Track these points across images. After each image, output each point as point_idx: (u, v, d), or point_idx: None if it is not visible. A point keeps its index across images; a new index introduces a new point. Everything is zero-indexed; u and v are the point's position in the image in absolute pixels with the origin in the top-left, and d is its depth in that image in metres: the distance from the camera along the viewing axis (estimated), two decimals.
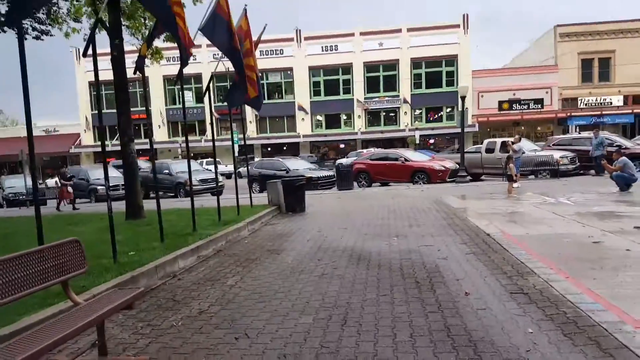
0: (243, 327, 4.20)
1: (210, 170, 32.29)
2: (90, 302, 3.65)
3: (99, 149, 43.56)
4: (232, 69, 10.14)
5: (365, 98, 42.87)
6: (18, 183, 21.68)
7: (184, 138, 42.88)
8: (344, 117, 44.41)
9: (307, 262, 6.52)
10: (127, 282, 5.49)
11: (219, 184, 20.35)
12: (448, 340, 3.75)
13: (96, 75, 6.24)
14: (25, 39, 13.55)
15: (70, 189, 17.10)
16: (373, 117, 43.75)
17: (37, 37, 12.95)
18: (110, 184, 19.95)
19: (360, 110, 42.93)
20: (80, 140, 47.55)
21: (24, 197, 20.42)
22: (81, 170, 22.62)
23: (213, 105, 11.44)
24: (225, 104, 11.29)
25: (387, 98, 42.69)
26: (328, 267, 6.17)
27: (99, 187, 20.31)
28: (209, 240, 7.72)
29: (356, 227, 9.05)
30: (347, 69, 43.59)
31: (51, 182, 30.55)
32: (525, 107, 40.43)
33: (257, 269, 6.33)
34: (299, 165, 20.26)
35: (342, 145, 44.24)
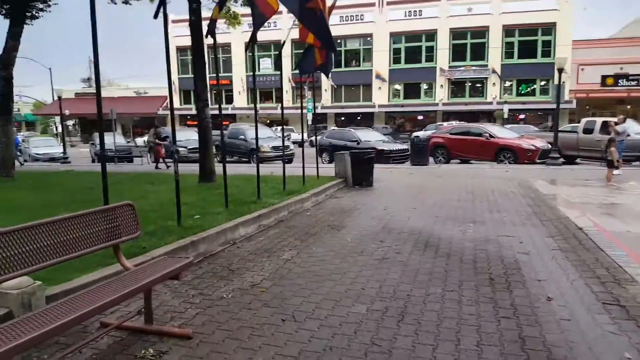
0: (292, 309, 4.02)
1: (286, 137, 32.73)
2: (139, 268, 3.57)
3: (185, 112, 46.00)
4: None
5: (449, 67, 41.03)
6: (108, 140, 23.05)
7: (262, 104, 43.46)
8: (424, 86, 42.95)
9: (368, 242, 6.22)
10: (187, 247, 5.49)
11: (289, 152, 20.67)
12: (522, 355, 3.27)
13: (166, 37, 6.22)
14: (115, 3, 14.08)
15: (163, 150, 17.97)
16: (457, 87, 41.95)
17: (125, 2, 13.37)
18: (191, 147, 20.90)
19: (443, 79, 41.28)
20: (167, 102, 50.05)
21: (113, 153, 21.60)
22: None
23: (290, 72, 11.25)
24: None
25: (473, 68, 40.62)
26: (390, 251, 5.80)
27: (180, 149, 20.98)
28: (271, 210, 7.69)
29: (427, 207, 8.69)
30: (431, 35, 41.69)
31: (140, 140, 32.25)
32: (634, 83, 36.45)
33: (314, 245, 6.12)
34: (371, 137, 19.94)
35: (420, 117, 43.04)
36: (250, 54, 42.36)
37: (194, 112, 47.28)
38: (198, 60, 11.24)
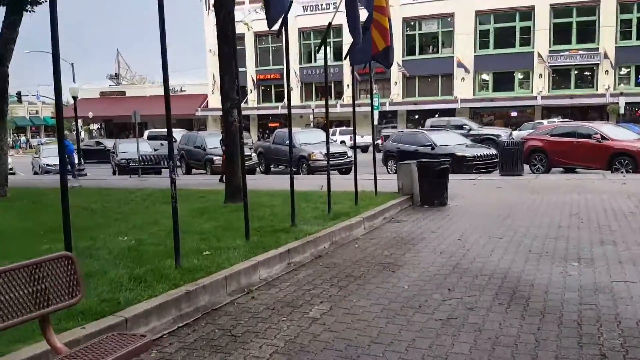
0: None
1: (344, 142, 32.71)
2: (74, 352, 2.99)
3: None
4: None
5: (550, 52, 39.62)
6: (131, 148, 23.59)
7: (318, 102, 43.60)
8: (518, 76, 42.06)
9: (430, 290, 5.56)
10: (180, 300, 4.96)
11: (347, 159, 20.27)
12: None
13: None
14: None
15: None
16: (560, 76, 40.64)
17: None
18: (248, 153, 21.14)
19: (543, 67, 39.91)
20: (207, 101, 51.35)
21: (135, 164, 22.06)
22: (198, 137, 24.29)
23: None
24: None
25: (580, 52, 38.99)
26: (460, 306, 5.07)
27: (215, 158, 21.20)
28: (306, 242, 7.30)
29: (517, 236, 8.06)
30: (527, 13, 40.17)
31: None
32: None
33: (357, 294, 5.53)
34: (450, 140, 19.59)
35: (513, 114, 41.68)
36: (316, 41, 43.81)
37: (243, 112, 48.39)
38: (222, 47, 10.95)
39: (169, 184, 5.83)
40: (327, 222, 8.50)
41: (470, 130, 26.88)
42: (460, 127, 27.29)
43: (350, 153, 21.30)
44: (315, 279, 6.15)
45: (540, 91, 39.78)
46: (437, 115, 44.14)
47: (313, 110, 44.09)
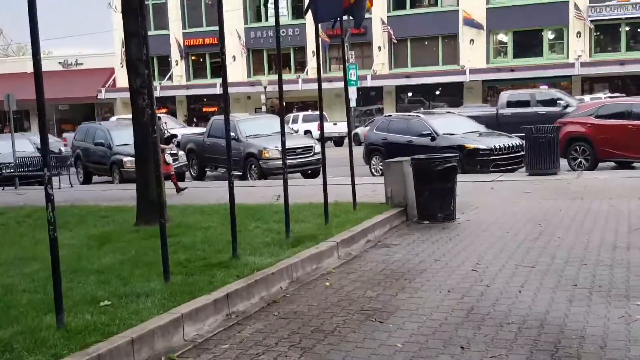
0: None
1: (310, 132, 32.66)
2: None
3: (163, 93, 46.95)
4: None
5: (590, 2, 40.30)
6: (4, 148, 22.94)
7: (271, 77, 43.84)
8: (548, 35, 42.90)
9: (435, 350, 5.46)
10: None
11: (313, 156, 20.94)
12: None
13: None
14: None
15: (169, 158, 17.72)
16: (605, 36, 41.89)
17: None
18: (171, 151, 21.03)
19: (582, 24, 40.82)
20: (114, 78, 50.71)
21: (10, 171, 21.49)
22: (99, 130, 23.95)
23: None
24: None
25: (632, 1, 39.76)
26: None
27: (125, 159, 21.06)
28: (254, 281, 7.17)
29: (556, 264, 8.07)
30: None
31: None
32: None
33: None
34: (456, 126, 20.03)
35: (542, 87, 41.89)
36: None
37: (159, 93, 48.00)
38: (124, 5, 11.12)
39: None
40: (284, 251, 8.47)
41: (566, 106, 25.99)
42: (553, 102, 27.10)
43: (318, 148, 21.33)
44: (267, 337, 5.98)
45: (579, 56, 40.56)
46: (437, 93, 44.64)
47: (265, 88, 44.32)
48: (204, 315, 6.28)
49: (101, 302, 6.33)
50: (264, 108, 43.91)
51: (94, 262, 8.12)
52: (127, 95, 36.90)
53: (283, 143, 9.70)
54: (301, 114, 38.62)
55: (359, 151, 22.69)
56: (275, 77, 41.40)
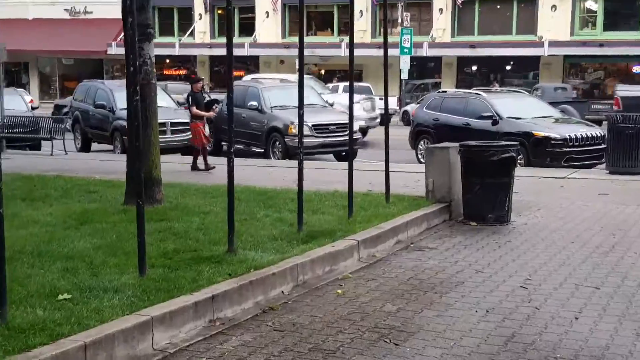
0: None
1: (343, 108, 32.55)
2: None
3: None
4: None
5: None
6: None
7: (311, 39, 43.69)
8: None
9: None
10: None
11: (355, 138, 20.39)
12: None
13: None
14: None
15: (206, 127, 17.85)
16: None
17: None
18: (173, 120, 21.54)
19: None
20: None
21: None
22: (100, 89, 24.09)
23: None
24: None
25: None
26: None
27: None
28: (249, 282, 7.05)
29: (627, 285, 7.86)
30: None
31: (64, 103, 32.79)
32: None
33: None
34: (525, 109, 20.03)
35: (638, 69, 41.27)
36: None
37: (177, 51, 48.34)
38: None
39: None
40: (293, 247, 8.37)
41: None
42: None
43: (355, 126, 21.46)
44: (254, 353, 5.80)
45: None
46: (508, 68, 43.97)
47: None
48: (181, 320, 6.16)
49: (60, 295, 6.24)
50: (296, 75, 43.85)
51: (66, 246, 8.10)
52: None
53: (300, 117, 9.36)
54: (341, 85, 38.23)
55: (406, 133, 22.61)
56: (315, 39, 41.73)
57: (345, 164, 18.40)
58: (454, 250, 9.48)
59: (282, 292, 7.41)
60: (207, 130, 17.71)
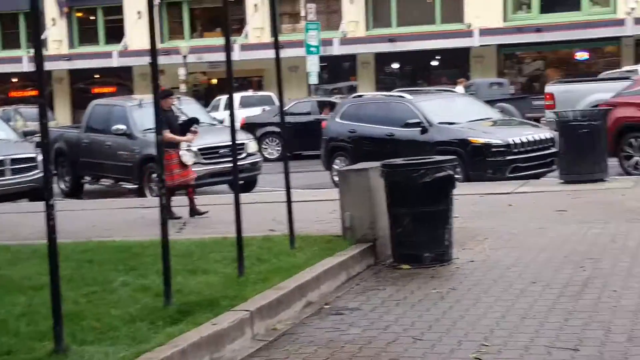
0: None
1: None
2: None
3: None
4: None
5: None
6: None
7: (197, 41, 42.85)
8: None
9: None
10: None
11: (249, 160, 21.43)
12: None
13: None
14: None
15: (187, 157, 16.36)
16: None
17: None
18: (14, 156, 20.92)
19: None
20: None
21: None
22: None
23: None
24: None
25: None
26: None
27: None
28: None
29: (611, 341, 7.31)
30: None
31: None
32: None
33: None
34: (458, 113, 20.42)
35: (580, 55, 41.82)
36: None
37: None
38: None
39: None
40: (157, 332, 7.40)
41: None
42: None
43: (253, 146, 22.10)
44: None
45: (633, 9, 40.72)
46: (433, 64, 44.13)
47: (185, 58, 44.46)
48: None
49: None
50: (183, 87, 43.15)
51: None
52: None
53: (159, 144, 8.30)
54: (237, 96, 37.72)
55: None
56: (200, 42, 41.39)
57: (246, 196, 17.90)
58: (383, 310, 8.79)
59: None
60: (187, 160, 16.13)
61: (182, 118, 17.77)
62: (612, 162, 18.62)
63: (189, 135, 16.21)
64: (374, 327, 8.15)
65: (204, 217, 15.17)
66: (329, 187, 18.50)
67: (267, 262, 9.97)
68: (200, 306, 8.04)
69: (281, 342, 7.84)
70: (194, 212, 15.45)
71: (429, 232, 10.75)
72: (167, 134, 15.08)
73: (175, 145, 15.71)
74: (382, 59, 45.24)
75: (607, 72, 34.02)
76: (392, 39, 43.48)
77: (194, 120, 17.09)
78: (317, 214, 13.10)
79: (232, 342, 7.53)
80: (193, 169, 16.56)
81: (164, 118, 15.48)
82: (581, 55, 42.36)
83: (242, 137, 22.21)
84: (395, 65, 45.87)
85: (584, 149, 16.92)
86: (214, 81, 47.83)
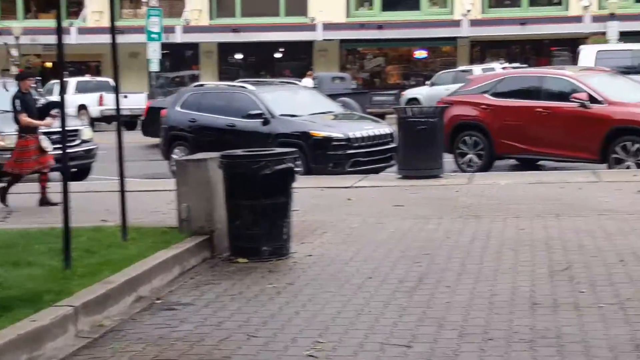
0: None
1: (84, 109, 31.31)
2: None
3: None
4: None
5: None
6: None
7: (29, 23, 41.67)
8: None
9: None
10: None
11: (83, 147, 20.62)
12: None
13: None
14: None
15: (46, 142, 15.40)
16: None
17: None
18: None
19: None
20: None
21: None
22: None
23: None
24: None
25: None
26: None
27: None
28: None
29: (443, 337, 7.33)
30: None
31: None
32: None
33: None
34: (301, 105, 20.61)
35: (419, 53, 42.73)
36: None
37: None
38: None
39: None
40: None
41: None
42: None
43: (88, 133, 21.37)
44: None
45: (468, 11, 41.67)
46: (277, 56, 44.17)
47: (18, 39, 43.33)
48: None
49: None
50: (14, 69, 41.61)
51: None
52: None
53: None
54: (75, 80, 37.13)
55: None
56: (34, 23, 40.28)
57: (81, 184, 17.35)
58: (218, 305, 8.57)
59: None
60: (47, 146, 15.28)
61: (41, 102, 17.02)
62: (448, 159, 18.98)
63: (48, 120, 15.39)
64: (207, 323, 7.94)
65: (55, 207, 13.97)
66: (169, 178, 18.05)
67: (97, 254, 9.64)
68: (20, 301, 7.60)
69: (107, 339, 7.50)
70: (44, 201, 14.83)
71: (267, 225, 10.67)
72: (25, 118, 14.67)
73: (34, 130, 15.04)
74: (226, 49, 45.34)
75: (443, 71, 35.02)
76: (236, 29, 43.62)
77: (54, 104, 16.49)
78: (154, 205, 12.92)
79: (54, 339, 7.11)
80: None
81: (22, 101, 15.03)
82: (420, 54, 43.23)
83: (75, 122, 21.67)
84: (239, 56, 46.03)
85: (421, 145, 17.15)
86: (49, 64, 46.69)
